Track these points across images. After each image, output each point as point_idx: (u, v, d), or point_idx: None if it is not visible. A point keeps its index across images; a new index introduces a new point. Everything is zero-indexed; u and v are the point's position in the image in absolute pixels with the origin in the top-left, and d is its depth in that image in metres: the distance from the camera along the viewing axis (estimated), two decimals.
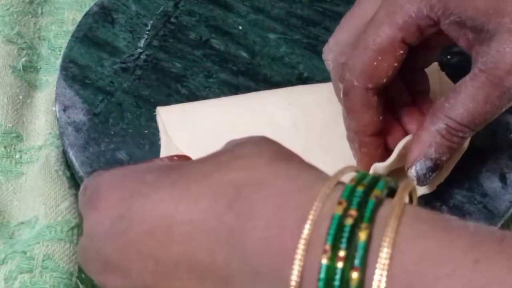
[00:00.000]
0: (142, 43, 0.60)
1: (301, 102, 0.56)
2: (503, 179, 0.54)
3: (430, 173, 0.49)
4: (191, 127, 0.55)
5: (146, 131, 0.55)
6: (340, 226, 0.31)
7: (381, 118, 0.49)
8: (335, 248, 0.31)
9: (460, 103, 0.46)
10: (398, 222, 0.31)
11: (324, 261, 0.31)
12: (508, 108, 0.48)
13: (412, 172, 0.48)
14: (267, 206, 0.33)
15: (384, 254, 0.30)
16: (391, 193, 0.33)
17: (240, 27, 0.61)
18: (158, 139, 0.55)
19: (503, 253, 0.29)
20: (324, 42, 0.60)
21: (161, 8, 0.62)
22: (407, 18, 0.46)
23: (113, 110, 0.56)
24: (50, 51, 0.62)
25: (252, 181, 0.34)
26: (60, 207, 0.51)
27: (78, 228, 0.51)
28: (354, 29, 0.49)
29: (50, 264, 0.48)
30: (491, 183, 0.54)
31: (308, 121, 0.55)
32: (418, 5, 0.45)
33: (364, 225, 0.31)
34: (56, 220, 0.50)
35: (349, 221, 0.31)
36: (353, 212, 0.31)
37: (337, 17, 0.62)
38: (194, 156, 0.54)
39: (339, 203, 0.32)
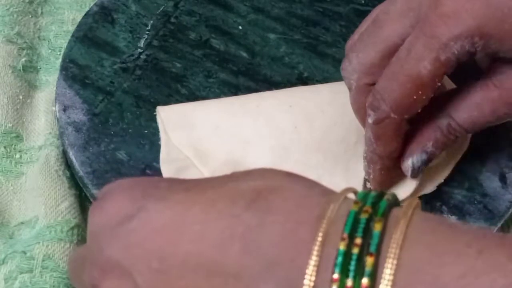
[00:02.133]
0: (142, 43, 0.60)
1: (302, 104, 0.55)
2: (503, 179, 0.54)
3: (423, 166, 0.51)
4: (191, 127, 0.55)
5: (146, 131, 0.55)
6: (356, 220, 0.33)
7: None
8: (351, 237, 0.33)
9: (466, 108, 0.48)
10: (409, 220, 0.33)
11: (342, 247, 0.32)
12: None
13: (408, 163, 0.50)
14: (286, 205, 0.35)
15: (395, 244, 0.32)
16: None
17: (240, 27, 0.61)
18: (158, 139, 0.55)
19: (504, 245, 0.32)
20: (324, 42, 0.61)
21: (161, 8, 0.62)
22: (450, 55, 0.45)
23: (113, 110, 0.56)
24: (50, 51, 0.61)
25: (270, 186, 0.36)
26: (60, 207, 0.51)
27: (78, 228, 0.51)
28: (381, 51, 0.48)
29: (50, 264, 0.48)
30: (491, 183, 0.54)
31: (309, 124, 0.55)
32: (461, 43, 0.45)
33: (378, 218, 0.33)
34: (56, 220, 0.50)
35: (364, 215, 0.33)
36: (368, 208, 0.34)
37: (337, 17, 0.62)
38: (194, 156, 0.54)
39: (355, 202, 0.34)
